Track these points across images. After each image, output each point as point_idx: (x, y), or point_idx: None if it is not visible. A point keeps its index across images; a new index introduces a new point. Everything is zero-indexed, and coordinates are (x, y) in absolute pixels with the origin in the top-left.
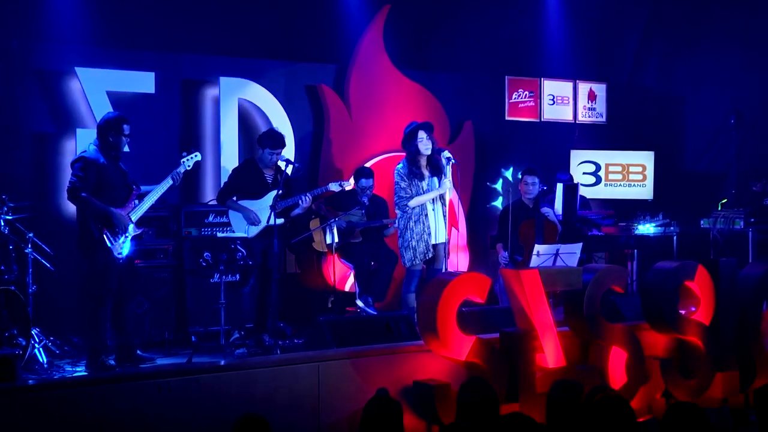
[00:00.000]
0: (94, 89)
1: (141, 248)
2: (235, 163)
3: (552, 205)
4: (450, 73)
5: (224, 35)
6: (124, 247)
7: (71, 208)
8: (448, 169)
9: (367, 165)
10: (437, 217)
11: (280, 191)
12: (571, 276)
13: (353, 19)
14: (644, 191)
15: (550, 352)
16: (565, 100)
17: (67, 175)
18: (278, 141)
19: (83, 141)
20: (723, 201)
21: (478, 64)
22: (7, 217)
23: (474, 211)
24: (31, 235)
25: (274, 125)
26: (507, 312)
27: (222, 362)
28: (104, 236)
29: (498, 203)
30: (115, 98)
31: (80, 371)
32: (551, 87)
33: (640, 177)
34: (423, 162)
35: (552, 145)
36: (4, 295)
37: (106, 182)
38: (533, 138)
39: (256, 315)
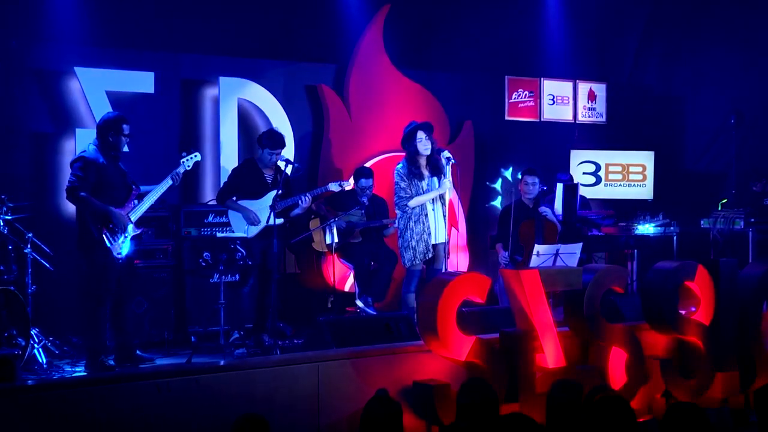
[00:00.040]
0: (94, 89)
1: (140, 248)
2: (235, 163)
3: (552, 205)
4: (450, 72)
5: (224, 35)
6: (123, 247)
7: (71, 208)
8: (448, 169)
9: (367, 165)
10: (437, 217)
11: (280, 191)
12: (571, 276)
13: (353, 18)
14: (644, 191)
15: (550, 353)
16: (565, 100)
17: (66, 175)
18: (278, 141)
19: (82, 141)
20: (723, 201)
21: (478, 64)
22: (7, 217)
23: (474, 211)
24: (30, 235)
25: (274, 125)
26: (507, 312)
27: (221, 362)
28: (103, 236)
29: (497, 203)
30: (114, 98)
31: (79, 371)
32: (551, 87)
33: (640, 177)
34: (423, 162)
35: (552, 145)
36: (4, 295)
37: (105, 182)
38: (533, 138)
39: (256, 315)
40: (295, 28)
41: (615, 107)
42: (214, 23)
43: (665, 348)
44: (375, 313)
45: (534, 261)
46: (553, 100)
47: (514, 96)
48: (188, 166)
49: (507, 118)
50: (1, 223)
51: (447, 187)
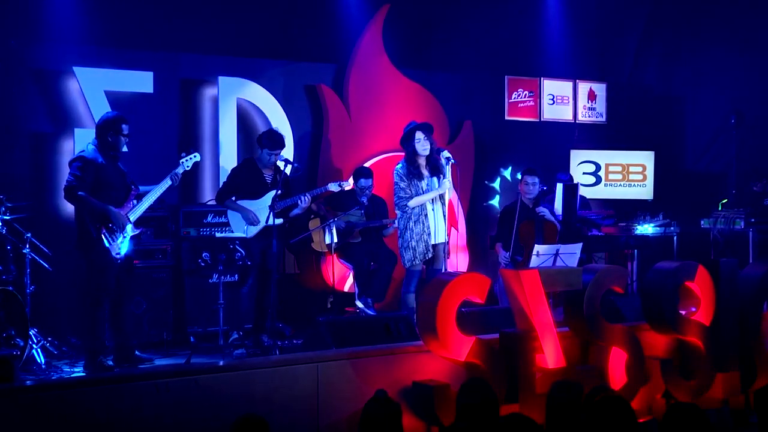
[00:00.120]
0: (93, 89)
1: (139, 248)
2: (234, 163)
3: (552, 205)
4: (450, 72)
5: (223, 35)
6: (122, 246)
7: (69, 207)
8: (448, 169)
9: (367, 165)
10: (437, 217)
11: (279, 191)
12: (571, 276)
13: (352, 18)
14: (644, 191)
15: (549, 353)
16: (564, 99)
17: (65, 174)
18: (277, 142)
19: (81, 141)
20: (723, 201)
21: (477, 64)
22: (5, 217)
23: (473, 211)
24: (29, 235)
25: (273, 125)
26: (507, 312)
27: (221, 363)
28: (102, 236)
29: (495, 202)
30: (113, 98)
31: (78, 372)
32: (551, 87)
33: (640, 177)
34: (422, 162)
35: (552, 145)
36: (2, 295)
37: (104, 182)
38: (533, 138)
39: (255, 315)
40: (294, 27)
41: (615, 107)
42: (213, 23)
43: (665, 348)
44: (374, 313)
45: (534, 261)
46: (553, 99)
47: (513, 96)
48: (187, 167)
49: (507, 117)
50: (0, 223)
51: (447, 187)
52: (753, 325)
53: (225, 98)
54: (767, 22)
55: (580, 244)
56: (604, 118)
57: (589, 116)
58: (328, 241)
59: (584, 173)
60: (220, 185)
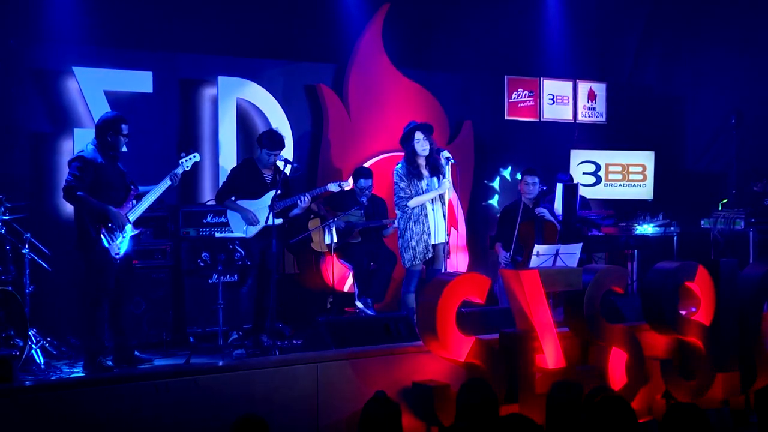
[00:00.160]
0: (92, 89)
1: (139, 248)
2: (234, 163)
3: (552, 206)
4: (449, 72)
5: (222, 34)
6: (121, 246)
7: (69, 208)
8: (448, 169)
9: (366, 165)
10: (437, 217)
11: (279, 191)
12: (571, 276)
13: (352, 18)
14: (644, 191)
15: (549, 353)
16: (564, 99)
17: (64, 174)
18: (277, 142)
19: (80, 141)
20: (723, 201)
21: (477, 64)
22: (4, 217)
23: (473, 211)
24: (28, 235)
25: (273, 125)
26: (506, 312)
27: (220, 363)
28: (101, 236)
29: (494, 201)
30: (112, 98)
31: (78, 372)
32: (551, 86)
33: (640, 177)
34: (422, 162)
35: (552, 145)
36: (1, 295)
37: (103, 182)
38: (533, 138)
39: (255, 316)
40: (294, 27)
41: (615, 107)
42: (212, 23)
43: (665, 348)
44: (374, 313)
45: (534, 261)
46: (552, 99)
47: (513, 96)
48: (187, 167)
49: (507, 117)
50: None
51: (446, 187)
52: (753, 326)
53: (224, 98)
54: (767, 22)
55: (580, 244)
56: (604, 118)
57: (589, 116)
58: (327, 241)
59: (584, 173)
60: (220, 185)
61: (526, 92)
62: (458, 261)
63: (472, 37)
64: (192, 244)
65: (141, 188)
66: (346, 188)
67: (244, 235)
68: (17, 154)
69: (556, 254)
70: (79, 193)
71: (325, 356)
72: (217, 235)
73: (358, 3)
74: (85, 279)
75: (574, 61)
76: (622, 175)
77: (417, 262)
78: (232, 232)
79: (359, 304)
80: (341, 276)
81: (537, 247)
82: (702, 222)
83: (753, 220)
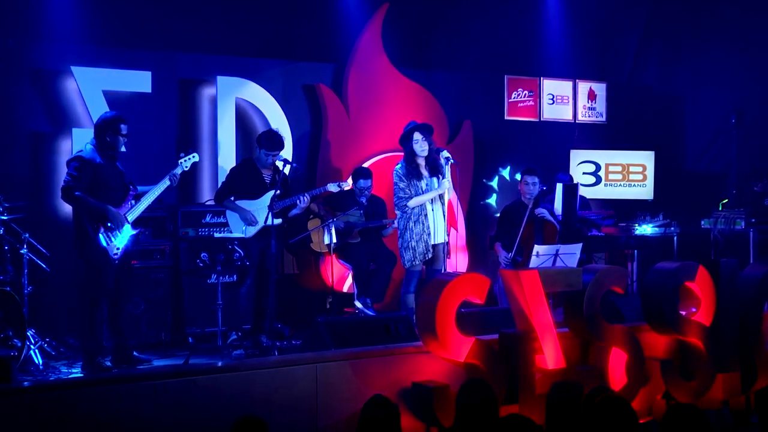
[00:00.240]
0: (91, 88)
1: (138, 249)
2: (233, 163)
3: (552, 206)
4: (449, 72)
5: (221, 34)
6: (120, 246)
7: (67, 208)
8: (447, 169)
9: (366, 165)
10: (437, 218)
11: (278, 191)
12: (571, 276)
13: (351, 18)
14: (644, 191)
15: (549, 354)
16: (564, 99)
17: (63, 174)
18: (276, 143)
19: (79, 141)
20: (724, 201)
21: (477, 64)
22: (3, 218)
23: (473, 211)
24: (26, 235)
25: (272, 125)
26: (506, 313)
27: (219, 363)
28: (100, 236)
29: (492, 200)
30: (111, 98)
31: (76, 373)
32: (551, 86)
33: (640, 177)
34: (421, 162)
35: (552, 145)
36: (0, 295)
37: (102, 182)
38: (533, 138)
39: (254, 316)
40: (293, 27)
41: (615, 107)
42: (211, 23)
43: (665, 349)
44: (374, 313)
45: (534, 261)
46: (552, 99)
47: (513, 95)
48: (186, 167)
49: (506, 117)
50: None
51: (446, 187)
52: (753, 326)
53: (223, 98)
54: (767, 22)
55: (580, 245)
56: (604, 118)
57: (589, 116)
58: (327, 241)
59: (584, 173)
60: (219, 185)
61: (526, 92)
62: (458, 261)
63: (472, 37)
64: (191, 244)
65: (140, 188)
66: (345, 188)
67: (243, 236)
68: (16, 154)
69: (556, 254)
70: (77, 193)
71: (325, 357)
72: (216, 235)
73: (357, 3)
74: (84, 279)
75: (574, 61)
76: (622, 175)
77: (417, 263)
78: (231, 232)
79: (359, 305)
80: (340, 276)
81: (537, 248)
82: (702, 222)
83: (753, 220)
